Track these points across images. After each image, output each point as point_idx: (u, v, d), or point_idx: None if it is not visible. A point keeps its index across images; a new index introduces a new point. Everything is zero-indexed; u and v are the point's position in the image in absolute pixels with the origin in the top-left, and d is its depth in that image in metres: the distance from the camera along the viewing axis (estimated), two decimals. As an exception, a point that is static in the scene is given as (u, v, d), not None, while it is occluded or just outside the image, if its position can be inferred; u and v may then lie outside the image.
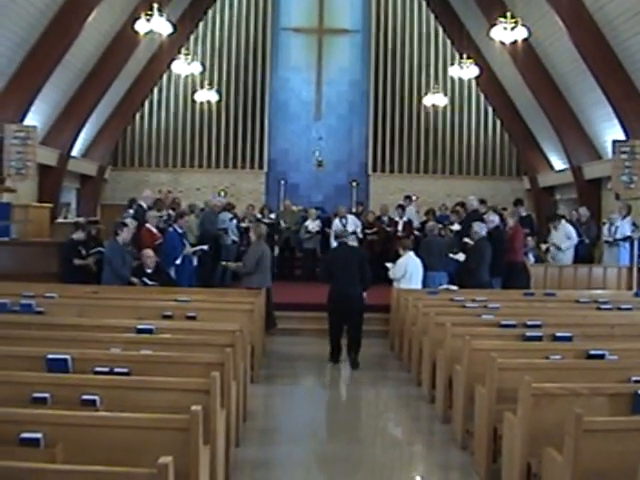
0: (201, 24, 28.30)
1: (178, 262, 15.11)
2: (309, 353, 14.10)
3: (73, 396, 6.00)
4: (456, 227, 17.40)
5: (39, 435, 5.20)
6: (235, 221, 19.79)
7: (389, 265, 15.14)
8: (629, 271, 17.36)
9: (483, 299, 12.50)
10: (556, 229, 17.79)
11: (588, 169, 23.12)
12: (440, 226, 17.34)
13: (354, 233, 19.83)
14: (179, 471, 4.89)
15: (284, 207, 22.85)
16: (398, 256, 15.02)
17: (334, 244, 17.76)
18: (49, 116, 21.80)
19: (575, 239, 17.61)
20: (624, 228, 17.70)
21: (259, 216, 21.17)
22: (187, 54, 23.59)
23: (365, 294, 13.35)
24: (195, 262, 15.80)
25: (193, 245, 16.15)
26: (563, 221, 17.94)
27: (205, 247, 16.18)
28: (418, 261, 14.75)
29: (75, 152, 24.20)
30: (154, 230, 15.69)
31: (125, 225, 14.32)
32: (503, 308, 11.81)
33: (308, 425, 9.63)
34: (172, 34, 19.61)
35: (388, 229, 20.39)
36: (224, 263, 15.41)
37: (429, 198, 27.01)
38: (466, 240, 15.52)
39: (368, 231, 20.33)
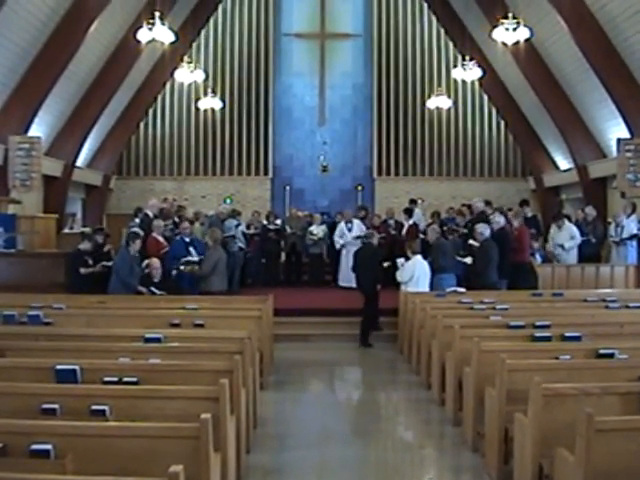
0: (203, 32, 28.34)
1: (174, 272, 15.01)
2: (318, 358, 14.08)
3: (82, 406, 6.00)
4: (463, 229, 17.36)
5: (49, 446, 5.20)
6: (241, 227, 19.78)
7: (400, 261, 15.08)
8: (636, 269, 17.32)
9: (491, 300, 12.47)
10: (560, 229, 17.76)
11: (593, 168, 23.10)
12: (445, 228, 17.31)
13: (359, 237, 19.84)
14: (190, 479, 4.88)
15: (290, 213, 22.84)
16: (407, 259, 14.97)
17: (354, 247, 18.50)
18: (53, 127, 21.84)
19: (578, 239, 17.56)
20: (630, 226, 17.65)
21: (265, 222, 21.16)
22: (190, 62, 23.67)
23: (379, 286, 15.24)
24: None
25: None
26: (567, 221, 17.90)
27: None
28: (425, 264, 14.72)
29: (80, 162, 24.25)
30: (160, 239, 15.70)
31: (137, 236, 14.33)
32: (511, 309, 11.78)
33: (319, 430, 9.61)
34: (174, 42, 19.65)
35: (394, 232, 20.33)
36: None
37: (435, 200, 27.05)
38: (471, 242, 15.48)
39: (377, 235, 20.26)
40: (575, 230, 17.66)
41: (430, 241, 16.13)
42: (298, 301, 17.57)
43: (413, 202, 22.45)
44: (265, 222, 21.21)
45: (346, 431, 9.61)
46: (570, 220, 18.45)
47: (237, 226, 19.40)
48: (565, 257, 17.66)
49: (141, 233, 14.78)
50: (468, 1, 24.80)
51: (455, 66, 25.48)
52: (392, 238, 20.24)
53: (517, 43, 18.90)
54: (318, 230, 20.64)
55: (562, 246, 17.60)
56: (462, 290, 14.31)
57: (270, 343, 12.72)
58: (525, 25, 18.14)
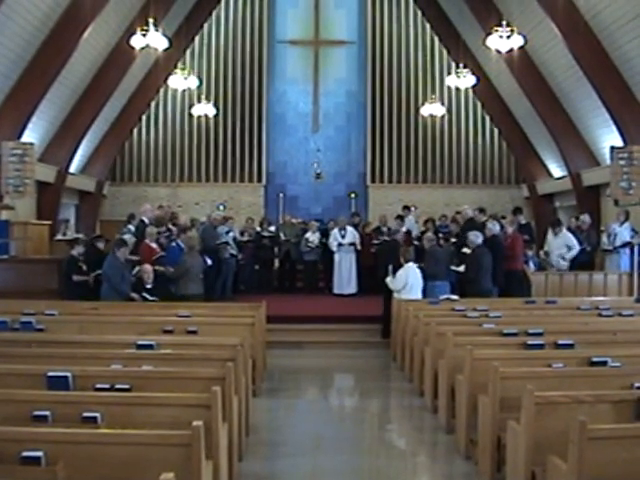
0: (197, 38, 28.31)
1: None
2: (311, 366, 14.08)
3: (74, 413, 5.99)
4: (454, 237, 17.38)
5: (40, 453, 5.18)
6: (232, 234, 19.68)
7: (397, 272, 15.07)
8: (630, 277, 17.33)
9: (484, 308, 12.47)
10: (556, 236, 17.75)
11: (587, 176, 23.12)
12: (440, 235, 17.31)
13: (352, 244, 19.86)
14: (182, 487, 4.87)
15: (283, 220, 22.83)
16: (401, 266, 14.94)
17: (347, 253, 19.86)
18: (46, 133, 21.80)
19: (577, 247, 17.52)
20: (623, 234, 17.66)
21: (258, 229, 21.15)
22: (183, 68, 23.72)
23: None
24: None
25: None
26: (564, 229, 17.89)
27: (209, 262, 16.11)
28: (418, 272, 14.70)
29: (73, 168, 24.19)
30: (153, 245, 15.68)
31: (124, 241, 14.32)
32: (504, 317, 11.77)
33: (311, 438, 9.59)
34: (168, 49, 19.72)
35: (387, 239, 20.28)
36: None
37: (428, 208, 26.97)
38: (464, 250, 15.47)
39: (375, 241, 20.27)
40: (572, 239, 17.62)
41: (425, 248, 16.13)
42: (291, 308, 17.58)
43: (406, 209, 22.44)
44: (259, 229, 21.20)
45: (339, 438, 9.58)
46: (567, 228, 18.44)
47: (228, 232, 19.30)
48: (557, 264, 17.67)
49: (127, 239, 14.74)
50: (462, 9, 24.81)
51: (449, 73, 25.56)
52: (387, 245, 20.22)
53: (511, 51, 18.93)
54: (314, 237, 20.65)
55: (563, 257, 17.59)
56: (455, 297, 14.30)
57: (263, 350, 12.70)
58: (519, 33, 18.19)
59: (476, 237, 14.92)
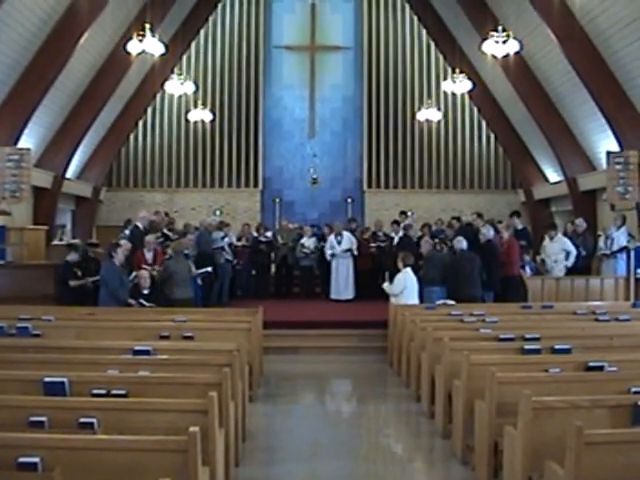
0: (193, 44, 28.36)
1: None
2: (308, 371, 14.04)
3: (71, 419, 5.97)
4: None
5: (37, 459, 5.16)
6: (227, 239, 19.61)
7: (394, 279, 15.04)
8: (626, 282, 17.30)
9: (481, 313, 12.47)
10: (552, 240, 17.71)
11: (583, 180, 23.15)
12: (436, 240, 17.32)
13: (349, 250, 19.80)
14: (178, 493, 4.86)
15: (280, 225, 22.82)
16: (398, 270, 14.93)
17: (344, 259, 19.72)
18: (43, 138, 21.80)
19: (574, 251, 17.48)
20: (620, 239, 17.64)
21: (255, 234, 21.11)
22: (180, 74, 23.74)
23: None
24: (199, 281, 15.74)
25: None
26: (560, 234, 17.85)
27: (209, 269, 16.10)
28: (414, 277, 14.69)
29: (70, 174, 24.20)
30: (147, 255, 15.62)
31: (118, 245, 14.27)
32: (501, 322, 11.76)
33: (308, 443, 9.56)
34: (164, 54, 19.71)
35: (383, 245, 20.29)
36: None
37: (425, 213, 27.05)
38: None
39: (373, 244, 20.27)
40: (569, 243, 17.57)
41: (423, 253, 16.13)
42: (288, 313, 17.53)
43: (403, 214, 22.44)
44: (255, 234, 21.16)
45: (335, 444, 9.56)
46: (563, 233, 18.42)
47: (223, 238, 19.25)
48: (552, 269, 17.64)
49: (121, 242, 14.70)
50: (458, 14, 24.87)
51: (445, 79, 25.57)
52: (381, 250, 20.23)
53: (507, 56, 18.98)
54: (309, 243, 20.62)
55: (566, 266, 17.49)
56: (452, 302, 14.29)
57: (260, 355, 12.68)
58: (515, 38, 18.24)
59: (458, 242, 14.99)
